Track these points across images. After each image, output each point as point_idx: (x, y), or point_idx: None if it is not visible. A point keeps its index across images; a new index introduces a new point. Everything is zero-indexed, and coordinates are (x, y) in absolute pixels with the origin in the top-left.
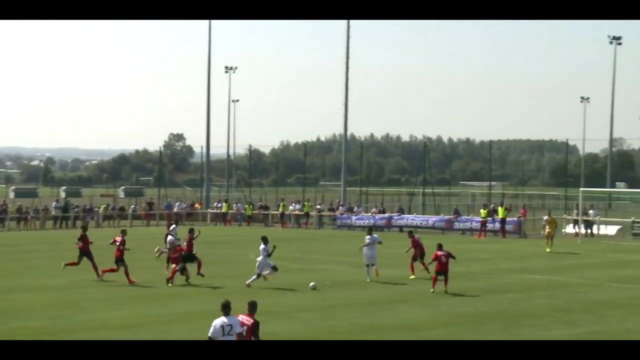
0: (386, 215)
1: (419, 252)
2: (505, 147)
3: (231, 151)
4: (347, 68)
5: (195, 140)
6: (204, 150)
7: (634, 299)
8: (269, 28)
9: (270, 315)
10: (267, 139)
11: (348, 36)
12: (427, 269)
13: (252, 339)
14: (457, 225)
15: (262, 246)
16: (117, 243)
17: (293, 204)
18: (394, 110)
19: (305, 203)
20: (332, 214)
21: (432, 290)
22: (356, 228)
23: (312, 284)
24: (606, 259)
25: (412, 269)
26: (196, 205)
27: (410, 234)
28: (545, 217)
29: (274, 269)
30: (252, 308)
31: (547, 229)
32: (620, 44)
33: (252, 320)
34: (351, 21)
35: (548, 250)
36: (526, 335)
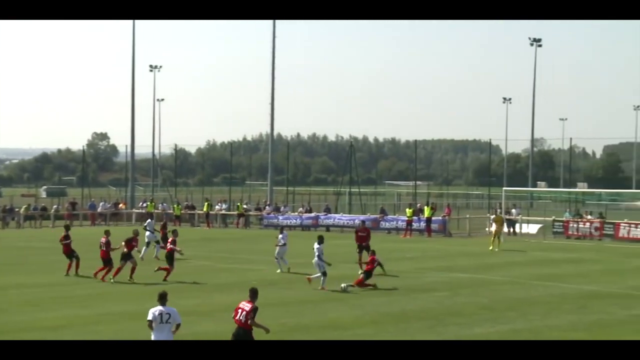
0: (313, 214)
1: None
2: (430, 147)
3: (156, 150)
4: (273, 67)
5: (119, 140)
6: (129, 149)
7: (555, 297)
8: (194, 26)
9: (197, 315)
10: (193, 139)
11: (274, 36)
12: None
13: (249, 321)
14: (383, 224)
15: (316, 245)
16: (102, 244)
17: (219, 204)
18: (320, 110)
19: (238, 204)
20: (259, 213)
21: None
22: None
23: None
24: (528, 257)
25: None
26: (121, 205)
27: (373, 252)
28: (492, 216)
29: (324, 274)
30: (252, 295)
31: (494, 228)
32: (540, 45)
33: (251, 305)
34: (277, 21)
35: (490, 248)
36: (451, 333)
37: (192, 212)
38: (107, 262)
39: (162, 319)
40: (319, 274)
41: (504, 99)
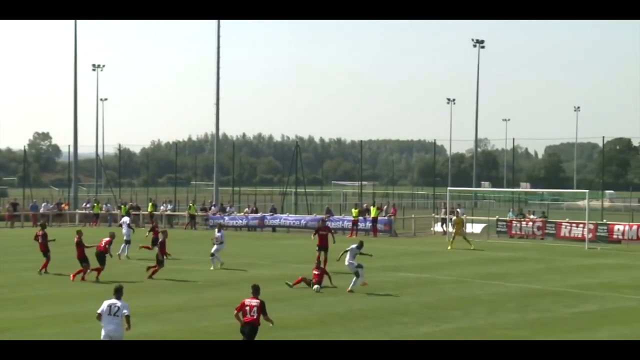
0: (259, 215)
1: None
2: (375, 147)
3: (100, 151)
4: (218, 67)
5: (62, 140)
6: (71, 149)
7: (498, 295)
8: (138, 25)
9: (143, 316)
10: (137, 139)
11: (218, 35)
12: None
13: (262, 316)
14: (329, 224)
15: (352, 245)
16: (106, 243)
17: (164, 204)
18: (265, 110)
19: (190, 205)
20: (205, 214)
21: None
22: (229, 228)
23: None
24: (472, 256)
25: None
26: (63, 205)
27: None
28: (453, 218)
29: (356, 275)
30: (255, 291)
31: (455, 229)
32: (483, 47)
33: (258, 301)
34: (222, 21)
35: (449, 248)
36: (397, 332)
37: (137, 212)
38: (83, 260)
39: (110, 310)
40: (355, 279)
41: (448, 99)
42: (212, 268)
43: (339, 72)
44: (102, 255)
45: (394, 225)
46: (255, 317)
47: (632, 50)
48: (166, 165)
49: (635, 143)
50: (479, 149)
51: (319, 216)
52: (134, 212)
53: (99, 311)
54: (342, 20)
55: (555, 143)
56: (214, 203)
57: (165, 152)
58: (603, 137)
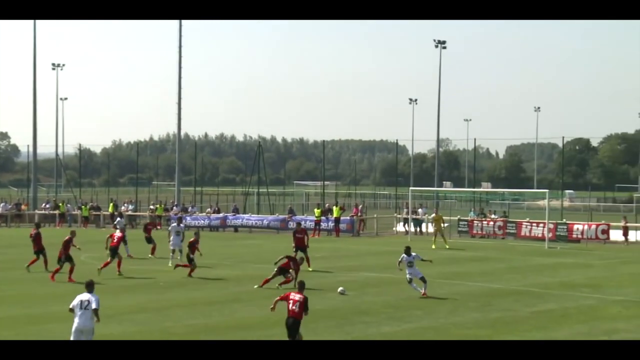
0: (221, 215)
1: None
2: (338, 147)
3: (60, 150)
4: (180, 67)
5: (21, 139)
6: (31, 149)
7: (460, 295)
8: (99, 24)
9: (104, 318)
10: (98, 138)
11: (180, 35)
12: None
13: (304, 311)
14: (291, 224)
15: (404, 257)
16: (119, 239)
17: (125, 204)
18: (228, 110)
19: (157, 206)
20: (167, 214)
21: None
22: (191, 228)
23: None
24: (434, 255)
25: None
26: (23, 206)
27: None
28: (432, 215)
29: (423, 280)
30: (301, 287)
31: (434, 227)
32: (445, 47)
33: (302, 296)
34: (184, 20)
35: (433, 247)
36: (359, 332)
37: (98, 213)
38: (67, 259)
39: (81, 305)
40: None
41: (410, 100)
42: (170, 265)
43: (301, 72)
44: (115, 249)
45: (356, 225)
46: (297, 311)
47: (592, 52)
48: (127, 165)
49: (594, 143)
50: (440, 149)
51: (281, 216)
52: (94, 213)
53: (71, 305)
54: (305, 20)
55: (516, 143)
56: (175, 203)
57: (126, 152)
58: (563, 138)
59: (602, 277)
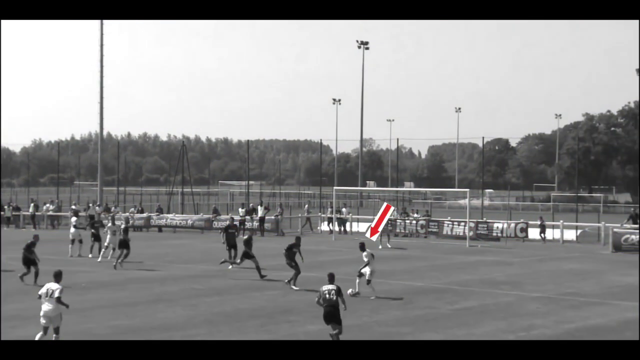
0: (145, 214)
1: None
2: (262, 147)
3: None
4: (102, 65)
5: None
6: None
7: (382, 293)
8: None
9: (21, 319)
10: (17, 137)
11: (102, 33)
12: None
13: (340, 299)
14: (216, 224)
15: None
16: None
17: (47, 204)
18: (151, 110)
19: (90, 205)
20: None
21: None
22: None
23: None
24: (358, 254)
25: None
26: None
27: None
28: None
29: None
30: (331, 278)
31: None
32: (367, 48)
33: (335, 286)
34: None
35: (380, 247)
36: (284, 331)
37: (17, 213)
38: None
39: (47, 293)
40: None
41: (334, 100)
42: (99, 260)
43: (226, 71)
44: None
45: (280, 225)
46: (335, 298)
47: (511, 53)
48: (48, 165)
49: (513, 143)
50: (364, 149)
51: (206, 216)
52: (14, 213)
53: (39, 292)
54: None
55: (437, 143)
56: (98, 203)
57: (47, 152)
58: (483, 138)
59: (521, 275)
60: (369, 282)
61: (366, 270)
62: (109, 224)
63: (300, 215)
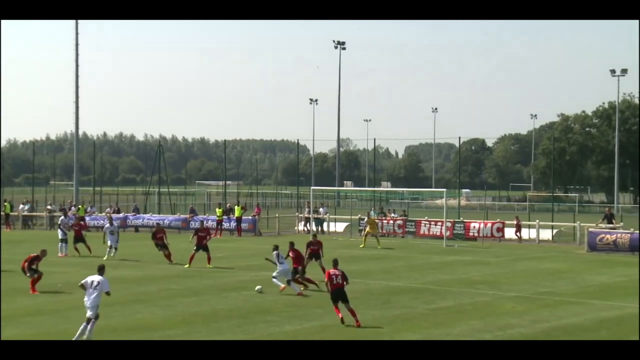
0: (121, 215)
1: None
2: (239, 147)
3: None
4: (77, 65)
5: None
6: None
7: (360, 293)
8: None
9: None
10: None
11: (77, 33)
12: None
13: (346, 282)
14: (193, 224)
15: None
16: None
17: (22, 205)
18: (127, 109)
19: (80, 206)
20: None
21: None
22: (91, 229)
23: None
24: (335, 254)
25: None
26: None
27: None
28: (366, 218)
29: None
30: (335, 264)
31: (367, 229)
32: (344, 48)
33: (339, 271)
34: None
35: (362, 246)
36: (260, 331)
37: None
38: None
39: (91, 285)
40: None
41: (311, 100)
42: (105, 258)
43: (203, 71)
44: (159, 245)
45: (258, 225)
46: (340, 282)
47: (487, 54)
48: (23, 165)
49: (489, 143)
50: (341, 149)
51: (183, 216)
52: None
53: (82, 282)
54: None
55: (414, 143)
56: (73, 203)
57: (21, 151)
58: (459, 138)
59: (497, 274)
60: (288, 282)
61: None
62: (107, 225)
63: (277, 215)
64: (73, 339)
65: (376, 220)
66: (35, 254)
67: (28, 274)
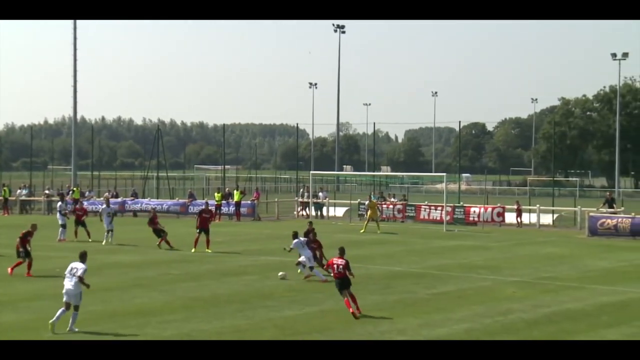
0: (120, 199)
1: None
2: (238, 131)
3: None
4: (75, 49)
5: None
6: None
7: (361, 277)
8: None
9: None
10: None
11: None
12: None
13: (348, 272)
14: (192, 209)
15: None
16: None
17: (20, 189)
18: (126, 93)
19: (74, 189)
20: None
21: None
22: (89, 214)
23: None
24: (335, 239)
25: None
26: None
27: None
28: (366, 202)
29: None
30: (341, 252)
31: (369, 213)
32: (344, 32)
33: (343, 260)
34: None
35: (362, 231)
36: (260, 316)
37: None
38: (22, 254)
39: (70, 271)
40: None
41: (310, 84)
42: (104, 243)
43: (202, 55)
44: (157, 231)
45: (257, 209)
46: (343, 272)
47: (487, 38)
48: (21, 149)
49: (489, 128)
50: (341, 133)
51: (181, 200)
52: None
53: (66, 272)
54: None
55: (414, 127)
56: (72, 188)
57: (19, 135)
58: (459, 122)
59: (498, 259)
60: (311, 268)
61: (302, 259)
62: (104, 206)
63: (276, 199)
64: (50, 322)
65: (377, 205)
66: (26, 230)
67: (20, 257)
